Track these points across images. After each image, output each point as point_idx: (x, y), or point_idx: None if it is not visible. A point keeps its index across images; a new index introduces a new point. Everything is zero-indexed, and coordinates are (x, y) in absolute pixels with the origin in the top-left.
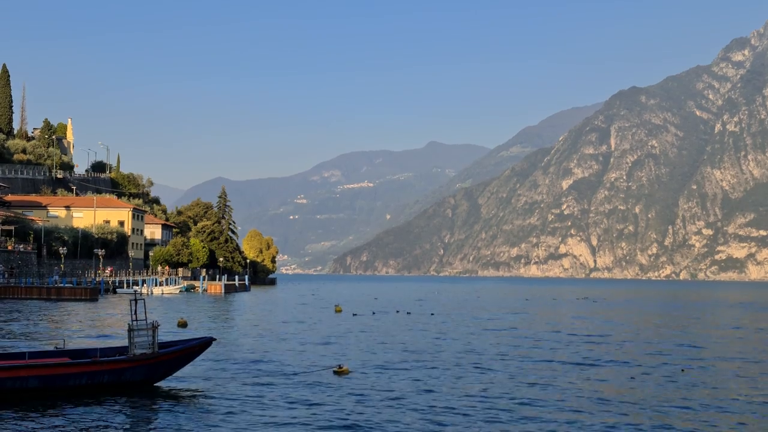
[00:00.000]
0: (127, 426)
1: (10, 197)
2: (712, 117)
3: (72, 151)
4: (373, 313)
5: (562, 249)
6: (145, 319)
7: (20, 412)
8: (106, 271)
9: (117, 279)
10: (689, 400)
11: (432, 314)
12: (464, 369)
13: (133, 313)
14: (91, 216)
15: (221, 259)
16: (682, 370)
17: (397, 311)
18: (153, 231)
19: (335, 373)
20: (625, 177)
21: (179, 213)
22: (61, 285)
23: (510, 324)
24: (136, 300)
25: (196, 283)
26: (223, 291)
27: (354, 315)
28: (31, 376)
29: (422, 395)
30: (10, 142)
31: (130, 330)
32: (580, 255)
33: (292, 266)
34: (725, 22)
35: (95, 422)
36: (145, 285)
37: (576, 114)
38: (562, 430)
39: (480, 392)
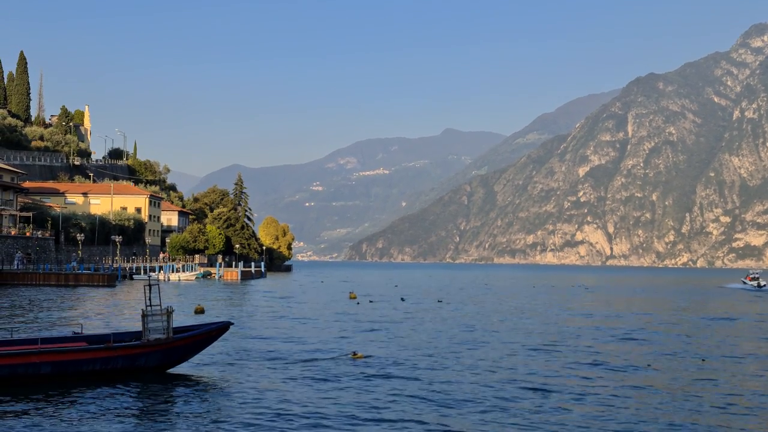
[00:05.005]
0: (141, 412)
1: (28, 184)
2: (731, 104)
3: (89, 138)
4: (370, 301)
5: (579, 236)
6: (160, 305)
7: (33, 398)
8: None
9: (134, 265)
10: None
11: (439, 301)
12: (474, 355)
13: (147, 298)
14: (108, 203)
15: (237, 245)
16: (703, 360)
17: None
18: (170, 218)
19: (351, 358)
20: (642, 164)
21: (196, 200)
22: (79, 271)
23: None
24: (150, 285)
25: (213, 270)
26: (239, 278)
27: (355, 303)
28: (44, 361)
29: (435, 379)
30: (27, 129)
31: (144, 315)
32: (597, 242)
33: (308, 253)
34: (744, 8)
35: (108, 408)
36: (161, 271)
37: (593, 101)
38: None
39: (491, 380)
